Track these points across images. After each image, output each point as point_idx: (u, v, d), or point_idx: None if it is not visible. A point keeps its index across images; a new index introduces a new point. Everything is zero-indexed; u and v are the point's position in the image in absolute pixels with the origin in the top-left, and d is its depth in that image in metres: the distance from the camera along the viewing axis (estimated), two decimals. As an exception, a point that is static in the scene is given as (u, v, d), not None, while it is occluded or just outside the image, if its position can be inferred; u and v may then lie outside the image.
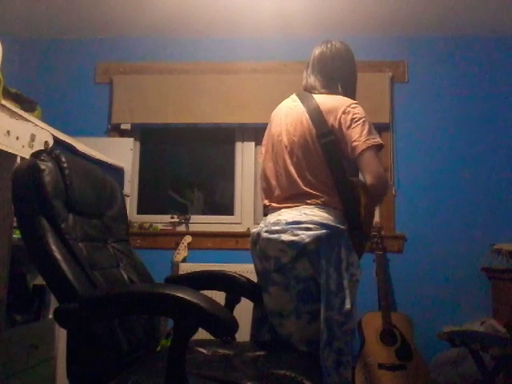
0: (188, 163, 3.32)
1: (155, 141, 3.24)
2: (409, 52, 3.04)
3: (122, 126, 3.05)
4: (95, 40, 3.15)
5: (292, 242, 1.47)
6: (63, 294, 1.08)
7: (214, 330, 0.93)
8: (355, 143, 1.54)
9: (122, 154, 2.84)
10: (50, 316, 1.97)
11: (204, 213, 3.17)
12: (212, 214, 3.14)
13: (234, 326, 0.93)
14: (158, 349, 1.47)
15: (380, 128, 2.98)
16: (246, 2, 2.70)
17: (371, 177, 1.53)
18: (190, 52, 3.12)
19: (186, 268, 2.73)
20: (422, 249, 2.85)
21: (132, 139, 2.98)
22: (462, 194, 2.88)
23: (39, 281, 1.96)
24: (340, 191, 1.57)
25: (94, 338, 1.08)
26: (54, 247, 1.10)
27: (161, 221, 3.04)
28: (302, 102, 1.68)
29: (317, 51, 1.77)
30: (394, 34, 3.02)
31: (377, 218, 2.92)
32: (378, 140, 1.56)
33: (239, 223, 3.03)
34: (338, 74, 1.72)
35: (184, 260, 2.84)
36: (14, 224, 1.63)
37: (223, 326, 0.92)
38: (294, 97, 1.75)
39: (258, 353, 1.37)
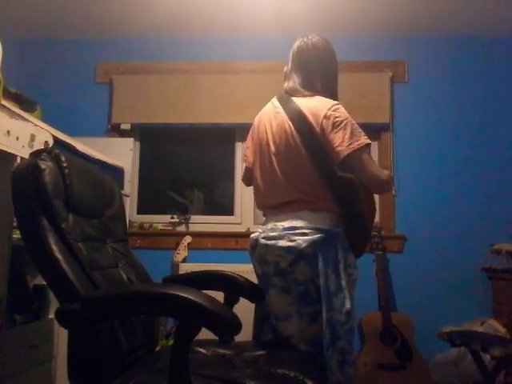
0: (188, 163, 3.32)
1: (155, 141, 3.24)
2: (409, 52, 3.04)
3: (122, 126, 3.05)
4: (95, 40, 3.15)
5: (289, 247, 1.49)
6: (64, 294, 1.07)
7: (218, 330, 0.93)
8: (338, 148, 1.52)
9: (122, 154, 2.84)
10: (50, 316, 1.97)
11: (204, 213, 3.17)
12: (212, 214, 3.14)
13: (237, 325, 0.93)
14: (158, 349, 1.47)
15: (380, 128, 2.99)
16: (246, 2, 2.70)
17: (366, 180, 1.53)
18: (190, 52, 3.12)
19: (185, 268, 2.73)
20: (422, 249, 2.85)
21: (132, 139, 2.98)
22: (462, 194, 2.88)
23: (39, 281, 1.96)
24: (333, 192, 1.57)
25: (95, 339, 1.08)
26: (54, 247, 1.09)
27: (161, 221, 3.04)
28: (284, 108, 1.66)
29: (295, 46, 1.75)
30: (393, 34, 3.02)
31: (377, 218, 2.92)
32: (362, 141, 1.53)
33: (239, 223, 3.03)
34: (317, 68, 1.69)
35: (184, 260, 2.84)
36: (14, 224, 1.63)
37: (227, 326, 0.92)
38: (275, 102, 1.73)
39: (258, 352, 1.37)
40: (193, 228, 3.02)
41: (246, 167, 1.85)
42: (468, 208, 2.87)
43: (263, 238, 1.57)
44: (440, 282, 2.80)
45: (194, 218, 3.05)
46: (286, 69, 1.76)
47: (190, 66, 3.09)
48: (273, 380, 1.15)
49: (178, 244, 2.85)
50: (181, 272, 2.72)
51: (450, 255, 2.82)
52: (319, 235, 1.49)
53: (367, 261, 2.70)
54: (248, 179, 1.85)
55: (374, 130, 3.04)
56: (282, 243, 1.50)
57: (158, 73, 3.08)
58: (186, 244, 2.85)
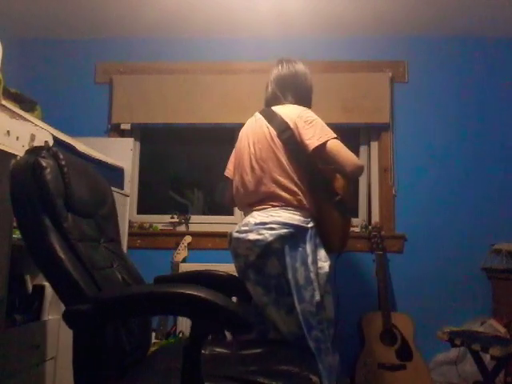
0: (188, 163, 3.32)
1: (155, 141, 3.23)
2: (409, 52, 3.04)
3: (122, 126, 3.05)
4: (95, 40, 3.15)
5: (257, 240, 1.64)
6: (69, 295, 1.05)
7: (234, 328, 0.93)
8: (309, 141, 1.74)
9: (122, 154, 2.83)
10: (50, 316, 1.97)
11: (204, 213, 3.17)
12: (212, 214, 3.14)
13: (251, 323, 0.94)
14: (154, 349, 1.47)
15: (380, 128, 2.99)
16: (245, 2, 2.70)
17: (341, 165, 1.74)
18: (190, 52, 3.12)
19: (185, 268, 2.73)
20: (422, 249, 2.84)
21: (132, 139, 2.97)
22: (462, 194, 2.88)
23: (39, 281, 1.96)
24: (313, 182, 1.76)
25: (102, 339, 1.06)
26: (57, 247, 1.06)
27: (161, 221, 3.04)
28: (263, 115, 1.92)
29: (272, 73, 2.01)
30: (394, 34, 3.02)
31: (377, 218, 2.93)
32: (330, 135, 1.76)
33: (239, 223, 3.03)
34: (291, 87, 1.96)
35: (184, 260, 2.84)
36: (14, 224, 1.62)
37: (242, 323, 0.93)
38: (257, 114, 1.96)
39: (256, 350, 1.37)
40: (193, 228, 3.02)
41: (228, 182, 2.06)
42: (468, 208, 2.87)
43: (236, 232, 1.74)
44: (440, 282, 2.80)
45: (194, 218, 3.05)
46: (265, 89, 2.03)
47: (190, 65, 3.09)
48: (278, 376, 1.15)
49: (178, 244, 2.84)
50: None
51: (449, 255, 2.82)
52: (287, 230, 1.64)
53: (367, 261, 2.70)
54: (231, 195, 2.02)
55: (374, 130, 3.05)
56: (251, 236, 1.65)
57: (157, 73, 3.08)
58: (185, 244, 2.85)
